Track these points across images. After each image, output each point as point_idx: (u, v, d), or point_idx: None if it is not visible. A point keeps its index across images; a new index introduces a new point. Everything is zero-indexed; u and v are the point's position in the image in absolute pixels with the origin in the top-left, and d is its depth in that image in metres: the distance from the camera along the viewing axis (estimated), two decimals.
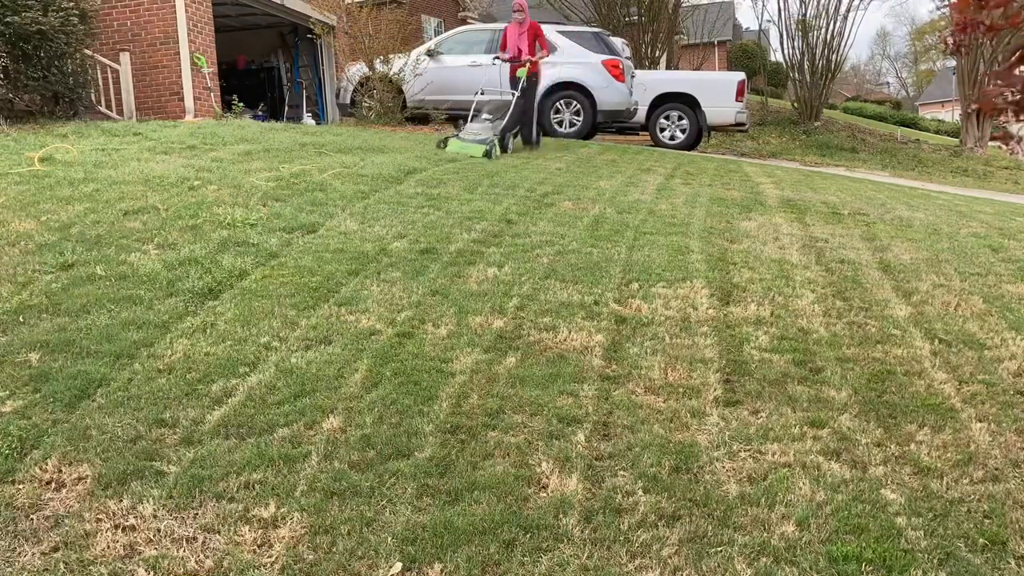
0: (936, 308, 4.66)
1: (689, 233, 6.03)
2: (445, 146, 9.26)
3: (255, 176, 6.91)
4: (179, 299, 4.28)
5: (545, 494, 2.72)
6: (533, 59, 10.04)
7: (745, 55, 35.47)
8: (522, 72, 10.00)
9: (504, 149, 9.62)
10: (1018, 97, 2.42)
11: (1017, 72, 2.52)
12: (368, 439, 3.00)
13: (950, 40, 2.58)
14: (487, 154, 8.99)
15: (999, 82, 2.52)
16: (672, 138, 14.17)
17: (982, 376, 3.75)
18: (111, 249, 4.97)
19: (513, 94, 9.98)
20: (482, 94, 10.34)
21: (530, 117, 10.23)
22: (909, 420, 3.30)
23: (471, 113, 10.09)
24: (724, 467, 2.91)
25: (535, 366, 3.64)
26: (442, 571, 2.35)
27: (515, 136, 10.12)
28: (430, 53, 12.88)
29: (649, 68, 20.75)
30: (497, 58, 10.52)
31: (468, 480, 2.77)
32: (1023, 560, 2.47)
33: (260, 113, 14.53)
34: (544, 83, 12.38)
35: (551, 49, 10.55)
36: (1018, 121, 2.50)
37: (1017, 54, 2.53)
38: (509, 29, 10.34)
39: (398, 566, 2.36)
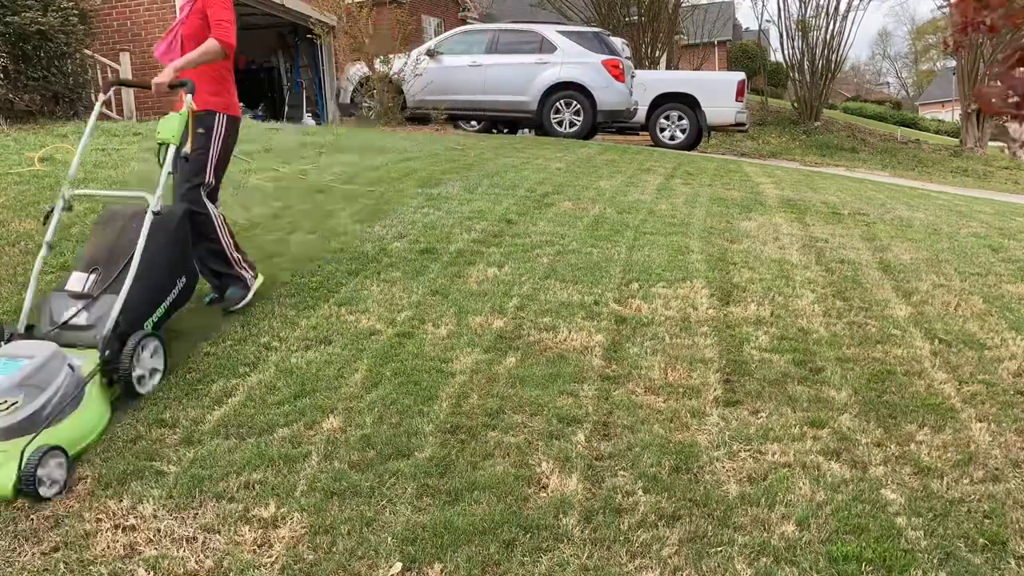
0: (936, 308, 4.66)
1: (689, 233, 6.03)
2: None
3: (255, 176, 6.91)
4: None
5: (545, 494, 2.72)
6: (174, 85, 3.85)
7: (745, 55, 35.46)
8: (175, 124, 3.74)
9: (130, 387, 3.25)
10: (1017, 99, 2.42)
11: (1016, 73, 2.52)
12: (368, 439, 3.00)
13: (950, 40, 2.59)
14: (24, 488, 2.61)
15: (998, 83, 2.53)
16: (672, 138, 14.17)
17: (982, 376, 3.75)
18: None
19: (140, 209, 3.65)
20: (63, 204, 3.65)
21: (215, 236, 4.11)
22: (909, 420, 3.30)
23: (34, 271, 3.56)
24: (724, 467, 2.91)
25: (535, 366, 3.64)
26: (442, 571, 2.35)
27: (169, 315, 3.75)
28: (430, 53, 12.89)
29: (649, 68, 20.76)
30: (115, 84, 4.61)
31: (468, 480, 2.77)
32: (1023, 560, 2.47)
33: (260, 113, 14.54)
34: (544, 83, 12.40)
35: (209, 54, 3.95)
36: (1016, 121, 2.50)
37: (1017, 55, 2.53)
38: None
39: (398, 566, 2.36)
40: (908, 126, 33.40)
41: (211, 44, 3.95)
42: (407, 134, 11.11)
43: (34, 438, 2.74)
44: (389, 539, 2.47)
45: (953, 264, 5.63)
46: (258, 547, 2.44)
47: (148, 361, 3.38)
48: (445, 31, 16.97)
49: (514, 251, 5.27)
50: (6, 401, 2.82)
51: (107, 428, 3.06)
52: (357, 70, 13.29)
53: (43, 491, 2.64)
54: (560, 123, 12.37)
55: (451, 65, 12.70)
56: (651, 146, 13.66)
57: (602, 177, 8.32)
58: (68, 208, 3.69)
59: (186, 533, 2.49)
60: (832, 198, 8.35)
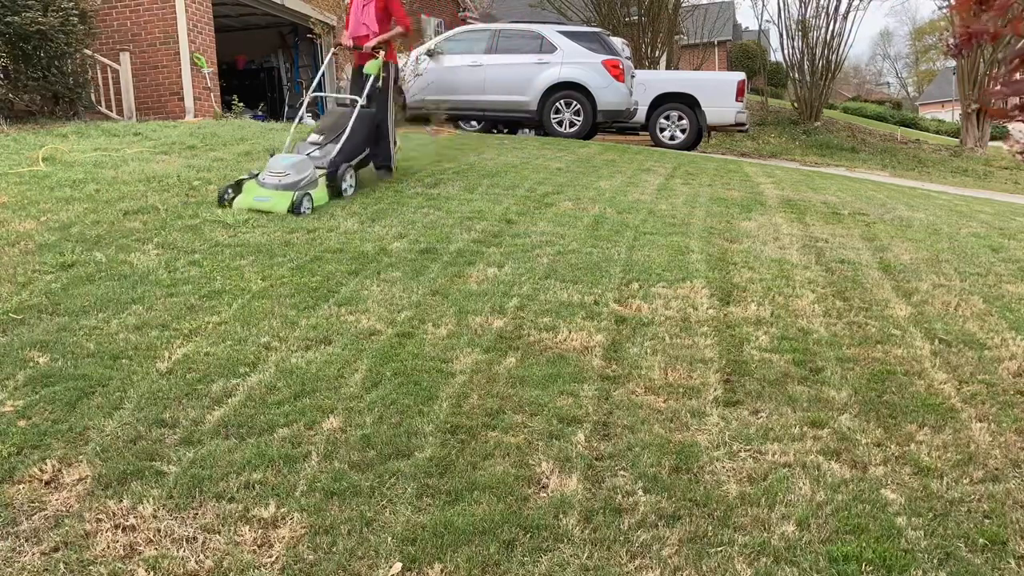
0: (936, 308, 4.66)
1: (689, 233, 6.03)
2: (231, 199, 5.89)
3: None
4: (179, 299, 4.28)
5: (545, 494, 2.72)
6: (383, 39, 6.79)
7: (745, 55, 35.45)
8: (372, 66, 6.78)
9: (338, 192, 6.30)
10: (1019, 102, 2.42)
11: (1018, 76, 2.52)
12: (368, 439, 3.00)
13: (952, 42, 2.59)
14: (295, 208, 5.80)
15: (1002, 87, 2.53)
16: (672, 138, 14.17)
17: (982, 376, 3.75)
18: (111, 249, 4.97)
19: (354, 102, 6.72)
20: (309, 100, 7.36)
21: (385, 133, 7.02)
22: (909, 420, 3.30)
23: (289, 134, 7.08)
24: (724, 467, 2.91)
25: (535, 366, 3.64)
26: (442, 571, 2.35)
27: (361, 167, 6.84)
28: (430, 53, 12.88)
29: (649, 68, 20.74)
30: (338, 46, 7.51)
31: (468, 480, 2.77)
32: (1023, 560, 2.47)
33: (260, 113, 14.53)
34: (544, 83, 12.40)
35: (413, 24, 7.27)
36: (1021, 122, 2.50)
37: (1019, 59, 2.53)
38: (353, 1, 7.21)
39: (398, 566, 2.36)
40: (908, 126, 33.40)
41: (398, 29, 6.98)
42: (407, 134, 11.11)
43: (296, 192, 5.83)
44: (389, 539, 2.47)
45: (953, 264, 5.63)
46: (258, 547, 2.44)
47: (348, 180, 6.48)
48: (445, 31, 16.97)
49: (514, 251, 5.27)
50: (286, 172, 5.96)
51: (326, 204, 6.16)
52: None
53: (303, 211, 5.79)
54: (560, 123, 12.37)
55: (451, 65, 12.70)
56: (651, 146, 13.66)
57: (602, 177, 8.32)
58: (300, 120, 7.17)
59: (186, 533, 2.49)
60: (832, 198, 8.35)
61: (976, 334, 4.28)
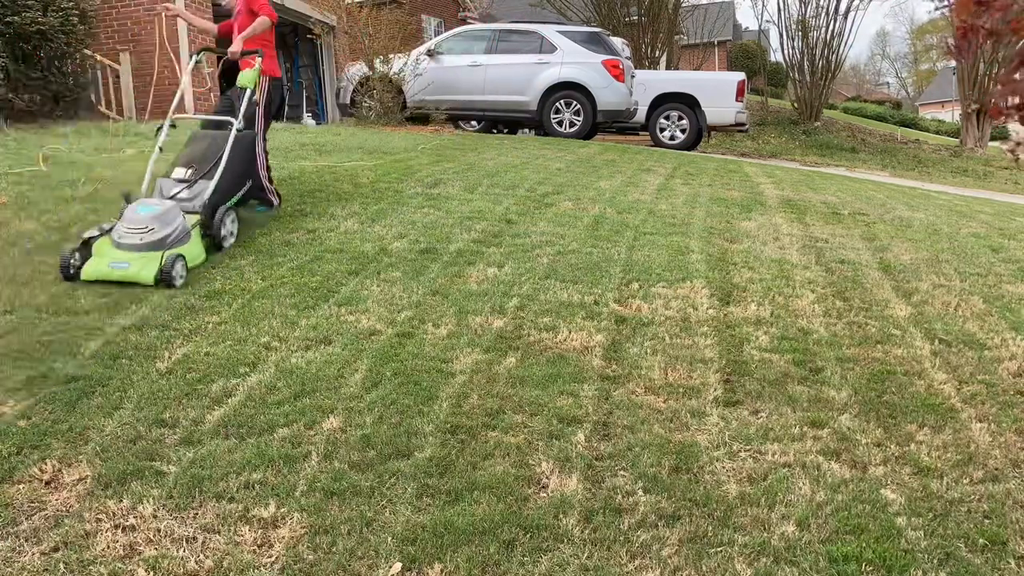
0: (936, 308, 4.66)
1: (689, 233, 6.03)
2: (78, 268, 4.48)
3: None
4: (179, 299, 4.28)
5: (545, 494, 2.72)
6: (246, 35, 5.64)
7: (745, 55, 35.46)
8: (247, 77, 5.60)
9: (218, 244, 4.99)
10: (1019, 101, 2.42)
11: (1019, 76, 2.52)
12: (368, 439, 3.00)
13: (951, 41, 2.59)
14: (164, 276, 4.41)
15: (1002, 87, 2.52)
16: (672, 138, 14.17)
17: (982, 376, 3.75)
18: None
19: (227, 124, 5.35)
20: (172, 127, 5.47)
21: (256, 164, 5.67)
22: (909, 420, 3.30)
23: (147, 171, 5.16)
24: (724, 467, 2.91)
25: (535, 366, 3.64)
26: (442, 571, 2.35)
27: (241, 204, 5.46)
28: (430, 53, 12.89)
29: (649, 68, 20.75)
30: (203, 51, 6.32)
31: (468, 480, 2.77)
32: (1023, 560, 2.47)
33: None
34: (544, 83, 12.40)
35: (260, 28, 5.73)
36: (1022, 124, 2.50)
37: (1020, 59, 2.53)
38: None
39: (398, 566, 2.36)
40: (908, 126, 33.41)
41: (262, 19, 5.70)
42: (407, 134, 11.11)
43: (165, 251, 4.49)
44: (389, 539, 2.47)
45: (953, 264, 5.63)
46: (258, 547, 2.44)
47: (229, 226, 5.12)
48: (445, 31, 16.97)
49: (514, 251, 5.27)
50: (148, 227, 4.60)
51: (203, 263, 4.81)
52: (357, 70, 13.29)
53: (175, 279, 4.42)
54: (560, 123, 12.37)
55: (451, 65, 12.70)
56: (651, 146, 13.66)
57: (602, 177, 8.32)
58: (173, 126, 5.42)
59: (186, 533, 2.49)
60: (832, 198, 8.35)
61: (976, 334, 4.28)
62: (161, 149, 5.24)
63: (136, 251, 4.51)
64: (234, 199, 5.26)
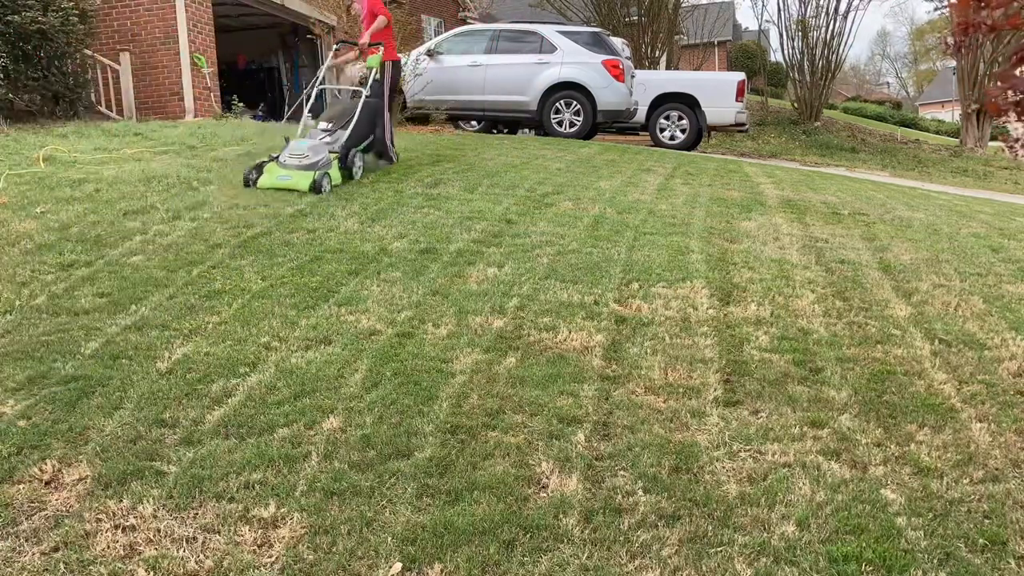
0: (936, 308, 4.66)
1: (689, 233, 6.03)
2: (255, 180, 6.50)
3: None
4: (179, 299, 4.28)
5: (545, 494, 2.72)
6: (370, 32, 7.60)
7: (745, 55, 35.46)
8: (373, 60, 7.58)
9: (351, 174, 6.97)
10: (1019, 97, 2.42)
11: (1018, 73, 2.52)
12: (368, 439, 3.00)
13: (951, 40, 2.59)
14: (316, 188, 6.37)
15: (1000, 83, 2.53)
16: (672, 138, 14.16)
17: (982, 376, 3.75)
18: (111, 249, 4.97)
19: (359, 92, 7.58)
20: (315, 92, 8.05)
21: (383, 123, 7.75)
22: (909, 420, 3.30)
23: (300, 122, 7.70)
24: (724, 467, 2.91)
25: (535, 366, 3.64)
26: (442, 571, 2.35)
27: (367, 151, 7.53)
28: (430, 53, 12.88)
29: (649, 68, 20.75)
30: (341, 43, 8.36)
31: (468, 480, 2.77)
32: (1023, 560, 2.47)
33: (260, 113, 14.52)
34: (544, 83, 12.41)
35: (380, 25, 7.72)
36: (1019, 121, 2.50)
37: (1018, 55, 2.53)
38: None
39: (398, 566, 2.36)
40: (908, 126, 33.42)
41: (380, 19, 7.67)
42: (407, 133, 11.11)
43: (316, 171, 6.42)
44: (389, 539, 2.47)
45: (953, 264, 5.63)
46: (258, 547, 2.44)
47: (358, 163, 7.13)
48: (445, 31, 16.97)
49: (514, 251, 5.27)
50: (305, 155, 6.60)
51: (340, 184, 6.80)
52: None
53: (323, 189, 6.38)
54: (560, 123, 12.36)
55: (451, 65, 12.69)
56: (651, 146, 13.66)
57: (602, 177, 8.32)
58: (318, 97, 7.66)
59: (186, 533, 2.49)
60: (832, 198, 8.35)
61: (976, 334, 4.28)
62: (309, 111, 7.60)
63: (296, 170, 6.54)
64: (362, 145, 7.30)
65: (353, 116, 7.21)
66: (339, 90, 7.96)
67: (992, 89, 2.59)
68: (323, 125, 7.29)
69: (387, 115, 7.78)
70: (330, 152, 6.87)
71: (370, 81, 7.50)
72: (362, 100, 7.31)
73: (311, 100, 7.86)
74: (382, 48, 7.60)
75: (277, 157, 6.70)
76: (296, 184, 6.38)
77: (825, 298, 4.70)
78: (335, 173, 6.78)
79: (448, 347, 3.81)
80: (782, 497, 2.72)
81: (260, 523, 2.54)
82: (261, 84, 17.76)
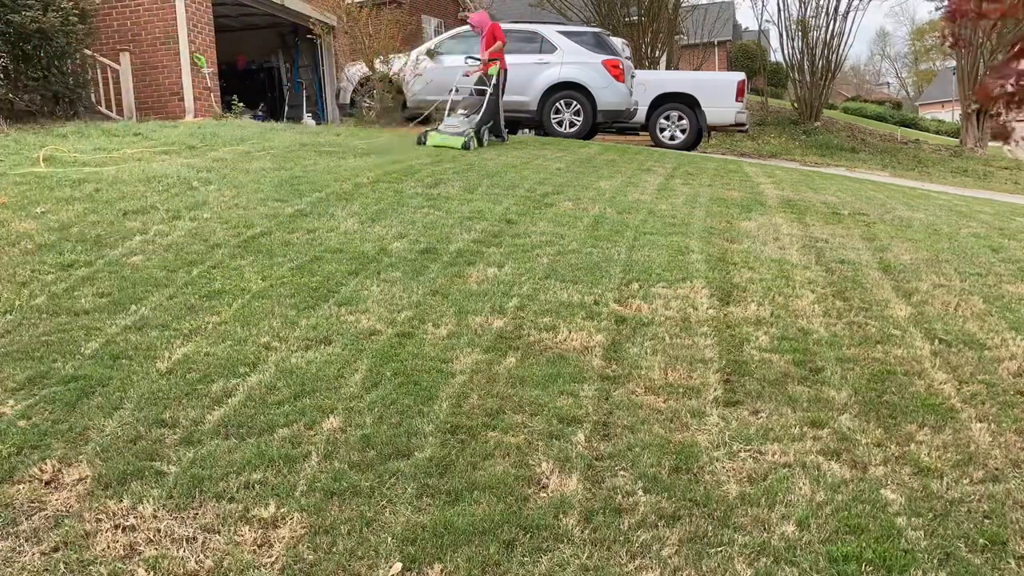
0: (936, 308, 4.66)
1: (689, 233, 6.03)
2: (425, 141, 9.81)
3: (256, 176, 6.91)
4: (179, 299, 4.28)
5: (545, 494, 2.72)
6: (489, 52, 10.76)
7: (745, 55, 35.44)
8: (494, 70, 10.76)
9: (480, 143, 10.17)
10: (1012, 89, 2.42)
11: (1013, 65, 2.52)
12: (368, 439, 3.00)
13: (948, 32, 2.58)
14: (465, 146, 9.62)
15: (996, 76, 2.53)
16: (672, 138, 14.16)
17: (982, 376, 3.75)
18: (111, 249, 4.97)
19: (484, 91, 10.62)
20: (456, 91, 10.89)
21: (499, 112, 10.88)
22: (909, 420, 3.30)
23: (447, 109, 10.71)
24: (724, 467, 2.91)
25: (535, 366, 3.64)
26: (442, 571, 2.35)
27: (488, 130, 10.64)
28: (430, 53, 12.89)
29: (649, 68, 20.75)
30: (470, 58, 11.30)
31: (468, 480, 2.77)
32: (1023, 560, 2.47)
33: (260, 113, 14.52)
34: (544, 83, 12.46)
35: (498, 47, 10.75)
36: (1010, 112, 2.50)
37: (1016, 48, 2.53)
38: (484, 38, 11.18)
39: (398, 566, 2.36)
40: (908, 126, 33.41)
41: (497, 43, 10.73)
42: (407, 133, 11.11)
43: (465, 137, 9.89)
44: (389, 539, 2.47)
45: (953, 264, 5.63)
46: (258, 547, 2.44)
47: (486, 136, 10.43)
48: (445, 31, 16.96)
49: (514, 251, 5.27)
50: (457, 126, 10.19)
51: (476, 148, 9.81)
52: (357, 70, 13.29)
53: (469, 147, 9.75)
54: (560, 123, 12.37)
55: (451, 65, 12.68)
56: (651, 146, 13.66)
57: (602, 177, 8.32)
58: (456, 90, 10.86)
59: (186, 533, 2.49)
60: (832, 198, 8.35)
61: (976, 334, 4.28)
62: (449, 103, 10.71)
63: (451, 135, 9.83)
64: (487, 125, 10.43)
65: (482, 106, 10.40)
66: (457, 88, 10.84)
67: (988, 82, 2.59)
68: (461, 112, 10.47)
69: (500, 106, 10.83)
70: (469, 127, 10.11)
71: (491, 83, 10.50)
72: (487, 97, 10.49)
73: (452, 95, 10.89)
74: (497, 64, 10.66)
75: (437, 128, 10.12)
76: (452, 143, 9.66)
77: (825, 298, 4.70)
78: (473, 140, 9.91)
79: (448, 347, 3.81)
80: (782, 497, 2.72)
81: (260, 523, 2.54)
82: (261, 84, 17.76)
